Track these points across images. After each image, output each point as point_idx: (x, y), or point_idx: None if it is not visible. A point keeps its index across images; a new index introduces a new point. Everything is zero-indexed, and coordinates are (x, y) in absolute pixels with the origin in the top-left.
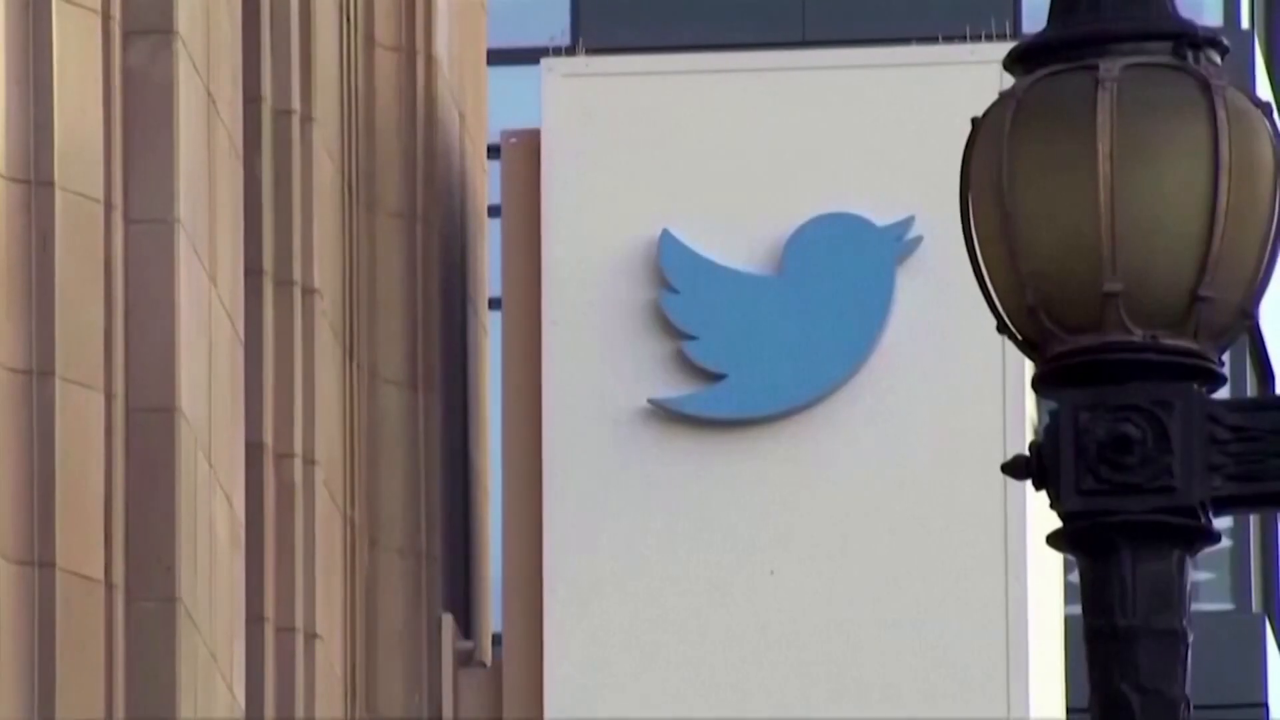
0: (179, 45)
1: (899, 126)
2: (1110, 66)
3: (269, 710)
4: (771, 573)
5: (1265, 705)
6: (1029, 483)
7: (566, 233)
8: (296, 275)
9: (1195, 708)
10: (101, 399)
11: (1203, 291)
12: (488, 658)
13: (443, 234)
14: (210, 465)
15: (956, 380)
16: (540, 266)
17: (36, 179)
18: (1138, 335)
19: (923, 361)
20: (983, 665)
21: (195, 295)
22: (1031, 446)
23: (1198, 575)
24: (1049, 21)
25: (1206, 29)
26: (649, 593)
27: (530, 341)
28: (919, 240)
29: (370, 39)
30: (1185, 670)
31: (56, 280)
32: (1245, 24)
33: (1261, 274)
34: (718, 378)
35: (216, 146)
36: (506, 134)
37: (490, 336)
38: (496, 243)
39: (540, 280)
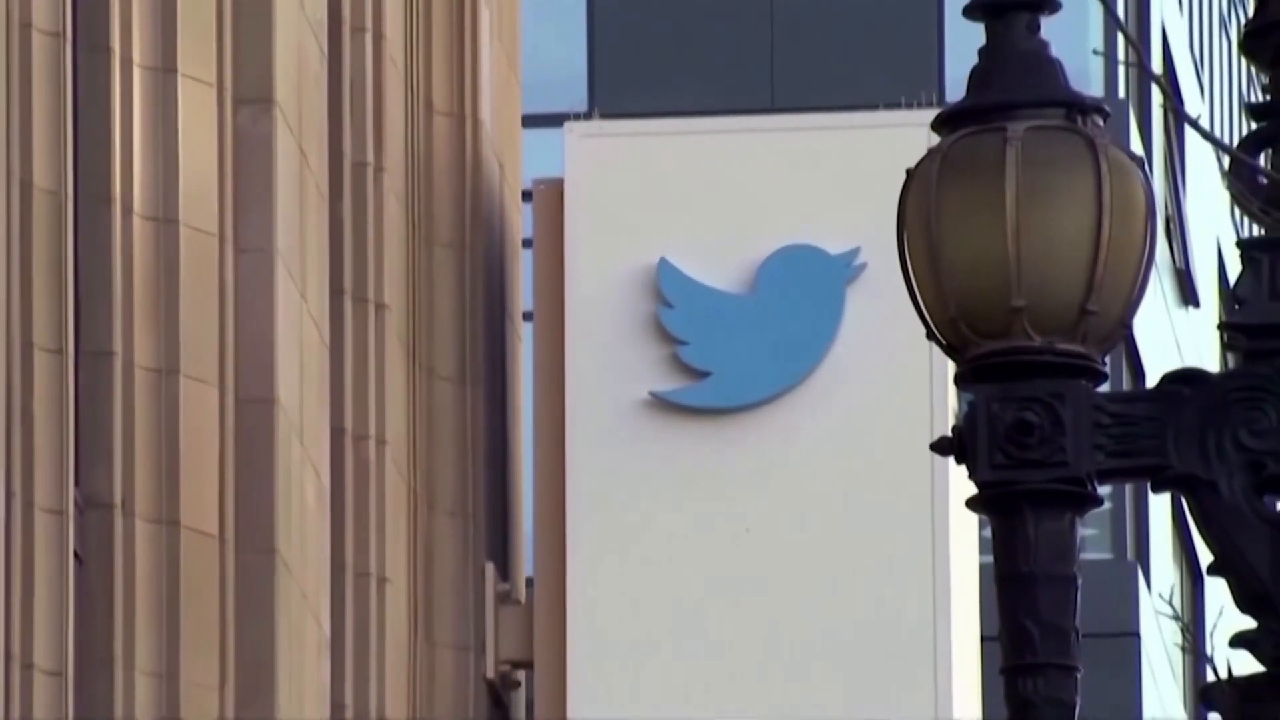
0: (277, 111)
1: (848, 176)
2: (1016, 129)
3: (349, 639)
4: (747, 530)
5: (1137, 634)
6: (951, 459)
7: (584, 260)
8: (370, 294)
9: (1083, 636)
10: (216, 392)
11: (1089, 307)
12: (522, 597)
13: (486, 261)
14: (301, 444)
15: (893, 378)
16: (564, 287)
17: (164, 217)
18: (1037, 341)
19: (867, 363)
20: (914, 601)
21: (290, 309)
22: (954, 430)
23: (1084, 531)
24: (967, 92)
25: (1092, 98)
26: (650, 542)
27: (555, 346)
28: (864, 266)
29: (429, 106)
30: (1075, 607)
31: (180, 297)
32: (1121, 94)
33: (1136, 293)
34: (704, 375)
35: (307, 191)
36: (537, 182)
37: (524, 342)
38: (529, 268)
39: (564, 298)
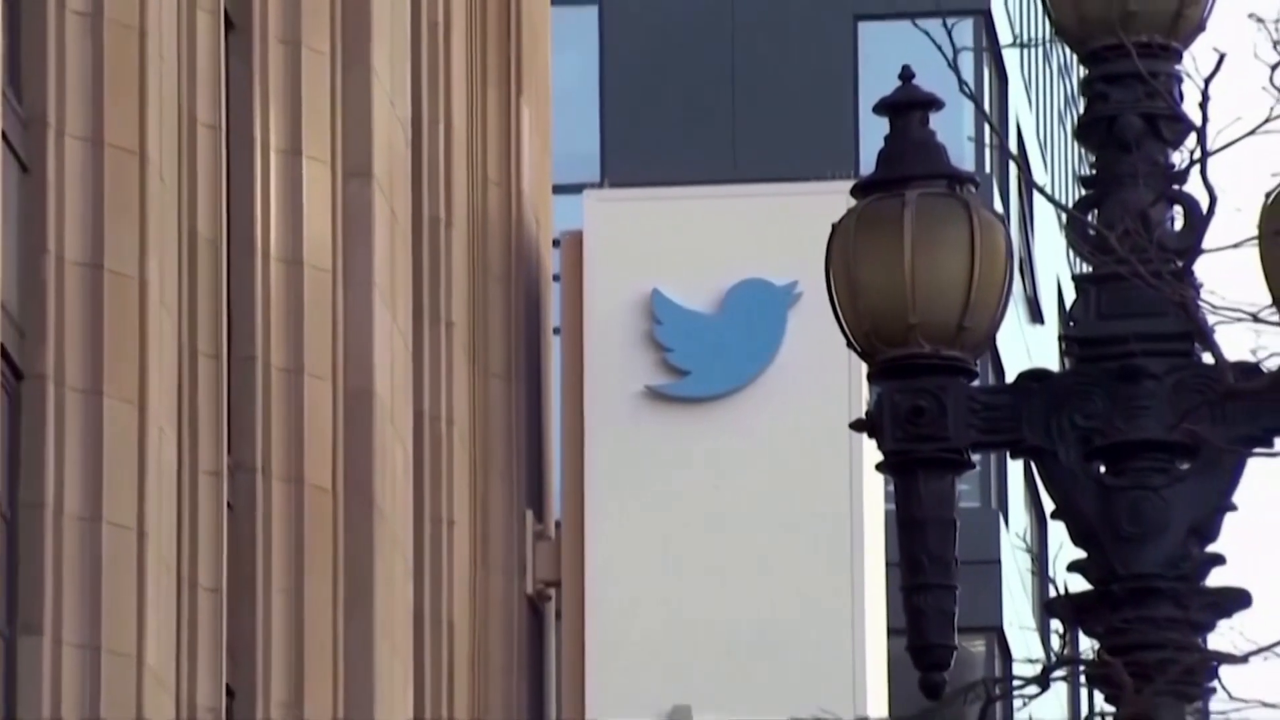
0: (374, 181)
1: (789, 228)
2: (911, 195)
3: (426, 566)
4: (716, 488)
5: (999, 562)
6: (865, 434)
7: (598, 289)
8: (441, 314)
9: (959, 563)
10: (330, 385)
11: (965, 323)
12: (552, 535)
13: (526, 291)
14: (392, 424)
15: (822, 377)
16: (583, 310)
17: (293, 259)
18: (927, 349)
19: (803, 365)
20: (832, 540)
21: (383, 325)
22: (866, 414)
23: (960, 486)
24: (876, 168)
25: (965, 172)
26: (647, 494)
27: (576, 353)
28: (801, 294)
29: (485, 178)
30: (953, 542)
31: (305, 317)
32: (987, 169)
33: (998, 313)
34: (685, 374)
35: (396, 239)
36: (563, 233)
37: (554, 350)
38: (558, 296)
39: (583, 318)
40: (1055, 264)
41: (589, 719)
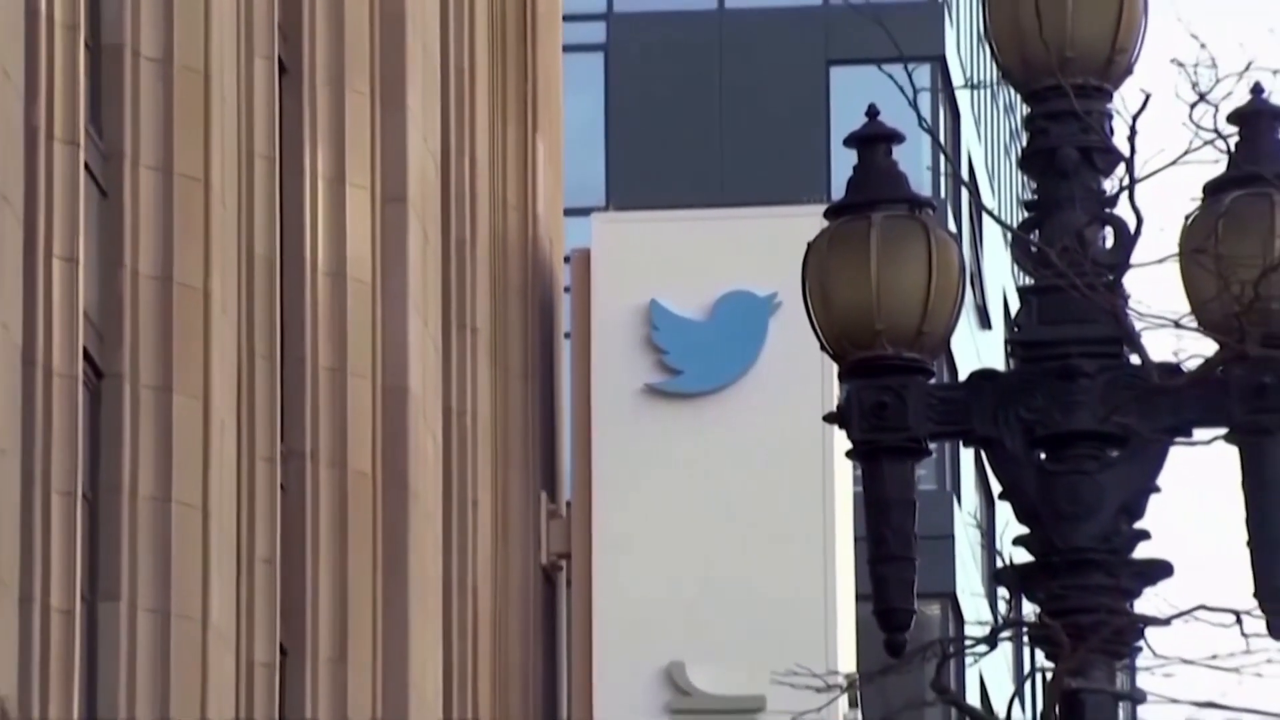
0: (409, 206)
1: (771, 246)
2: (877, 217)
3: (454, 540)
4: (706, 472)
5: (953, 537)
6: (836, 426)
7: (604, 300)
8: (467, 322)
9: (918, 538)
10: (370, 383)
11: (924, 329)
12: (563, 513)
13: (540, 300)
14: (424, 417)
15: (799, 376)
16: (590, 317)
17: (337, 272)
18: (890, 351)
19: (782, 366)
20: (807, 518)
21: (416, 331)
22: (838, 408)
23: (919, 471)
24: (845, 193)
25: (924, 197)
26: (646, 478)
27: (585, 354)
28: (781, 304)
29: (505, 202)
30: (913, 519)
31: (348, 322)
32: (943, 194)
33: (952, 320)
34: (678, 373)
35: (427, 256)
36: (574, 250)
37: (565, 352)
38: (568, 305)
39: (590, 324)
40: (1001, 277)
41: (595, 674)
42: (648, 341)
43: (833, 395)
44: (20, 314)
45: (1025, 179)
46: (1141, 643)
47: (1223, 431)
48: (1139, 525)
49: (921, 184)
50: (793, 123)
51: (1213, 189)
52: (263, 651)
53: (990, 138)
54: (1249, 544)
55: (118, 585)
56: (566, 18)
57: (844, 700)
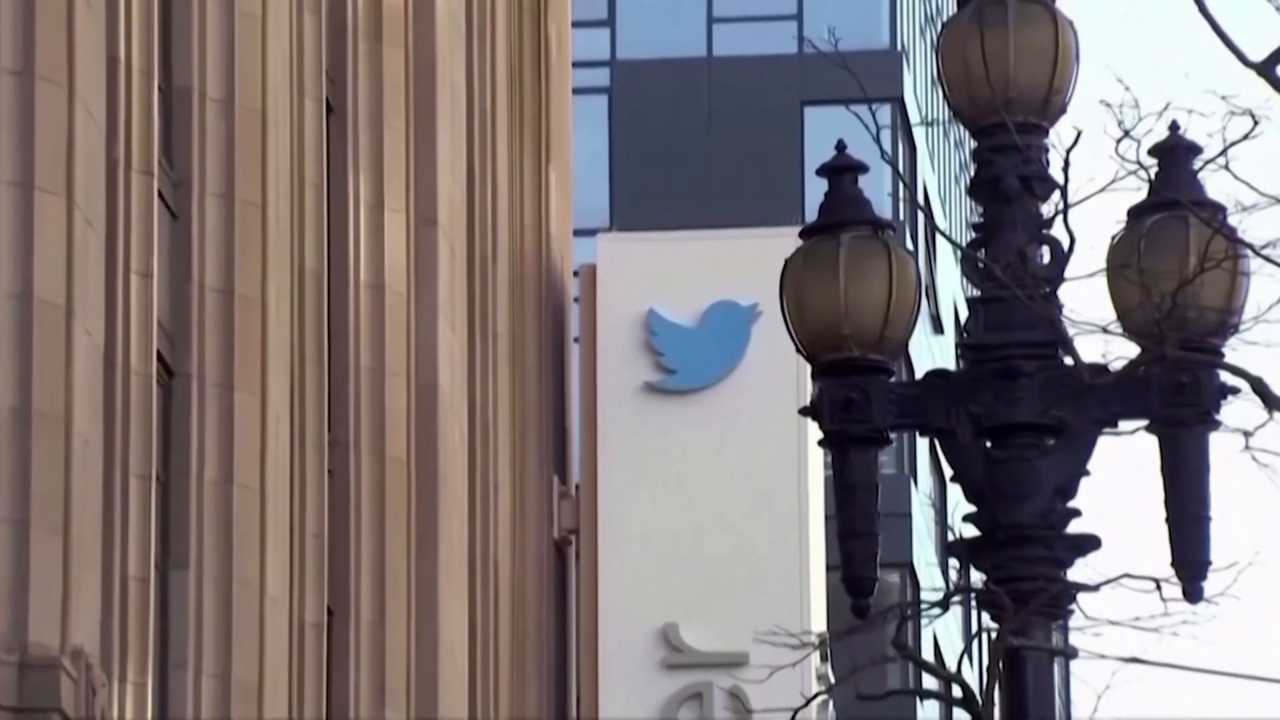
0: (439, 227)
1: (752, 262)
2: (845, 237)
3: (478, 519)
4: (697, 459)
5: (910, 515)
6: (810, 418)
7: (607, 309)
8: (490, 328)
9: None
10: (404, 381)
11: (886, 334)
12: (573, 494)
13: (553, 309)
14: (452, 411)
15: (777, 375)
16: (596, 323)
17: (376, 284)
18: (856, 354)
19: (762, 367)
20: (784, 499)
21: (445, 336)
22: (811, 403)
23: (881, 457)
24: (818, 216)
25: (885, 220)
26: (646, 464)
27: (591, 356)
28: (761, 313)
29: (522, 224)
30: (876, 500)
31: (385, 328)
32: (901, 217)
33: (910, 327)
34: (672, 372)
35: (455, 271)
36: (582, 266)
37: (574, 354)
38: (578, 313)
39: (596, 330)
40: (953, 289)
41: (600, 634)
42: (646, 345)
43: (807, 392)
44: (103, 322)
45: (973, 204)
46: (1074, 606)
47: (1144, 423)
48: (1072, 504)
49: (883, 208)
50: (772, 155)
51: (1136, 213)
52: (312, 613)
53: (943, 168)
54: (1167, 521)
55: (186, 556)
56: (575, 64)
57: (816, 656)
